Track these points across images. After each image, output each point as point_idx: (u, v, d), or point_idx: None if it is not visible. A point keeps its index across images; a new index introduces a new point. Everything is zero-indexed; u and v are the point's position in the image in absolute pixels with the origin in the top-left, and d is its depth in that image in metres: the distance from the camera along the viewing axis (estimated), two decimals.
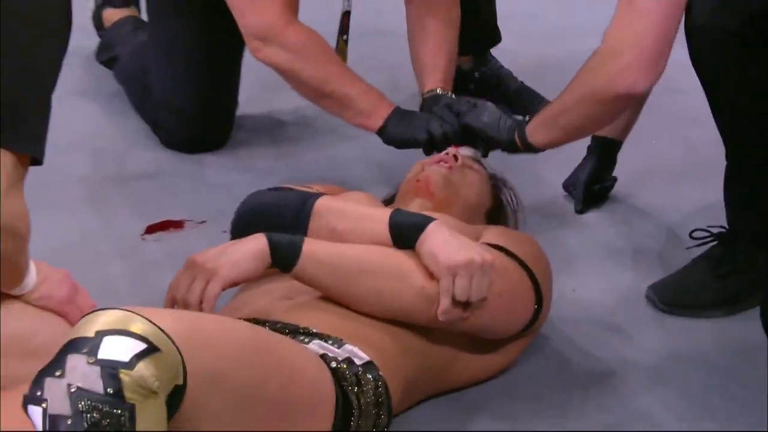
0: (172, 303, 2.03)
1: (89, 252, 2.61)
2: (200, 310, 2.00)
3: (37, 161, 1.74)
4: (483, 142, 2.49)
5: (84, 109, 3.17)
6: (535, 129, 2.44)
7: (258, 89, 3.11)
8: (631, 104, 2.41)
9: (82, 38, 3.33)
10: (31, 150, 1.73)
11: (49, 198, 2.77)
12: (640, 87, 2.22)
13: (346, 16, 2.87)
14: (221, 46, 2.75)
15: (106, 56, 3.22)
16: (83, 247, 2.62)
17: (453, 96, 2.73)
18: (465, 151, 2.48)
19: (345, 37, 2.87)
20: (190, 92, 2.87)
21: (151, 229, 2.66)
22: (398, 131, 2.64)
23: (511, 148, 2.49)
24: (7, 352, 1.70)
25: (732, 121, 2.23)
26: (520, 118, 2.54)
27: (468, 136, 2.51)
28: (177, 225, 2.66)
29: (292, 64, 2.63)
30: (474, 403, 2.16)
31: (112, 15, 3.27)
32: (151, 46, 2.97)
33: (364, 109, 2.65)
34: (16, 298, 1.89)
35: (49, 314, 1.90)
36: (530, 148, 2.46)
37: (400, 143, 2.65)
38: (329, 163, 2.87)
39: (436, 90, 2.71)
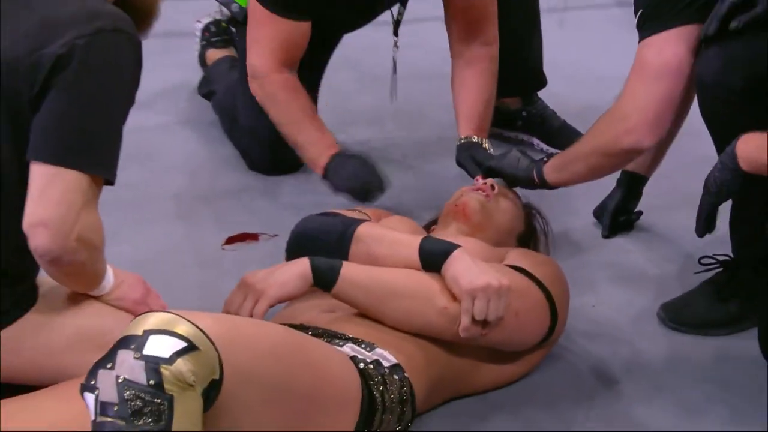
0: (230, 313, 2.05)
1: (176, 259, 2.64)
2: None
3: (110, 182, 1.78)
4: (505, 178, 2.48)
5: (185, 135, 3.19)
6: (551, 170, 2.46)
7: (333, 121, 3.12)
8: (635, 158, 2.42)
9: (189, 74, 3.42)
10: (103, 173, 1.77)
11: (147, 212, 2.83)
12: (643, 145, 2.27)
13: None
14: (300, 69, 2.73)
15: (206, 90, 3.24)
16: (172, 255, 2.65)
17: (485, 141, 2.70)
18: (501, 181, 2.48)
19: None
20: (270, 122, 2.83)
21: (230, 241, 2.66)
22: (335, 182, 2.63)
23: (529, 183, 2.49)
24: (85, 345, 1.73)
25: None
26: (540, 158, 2.55)
27: (493, 173, 2.50)
28: (253, 237, 2.67)
29: (264, 103, 2.68)
30: (494, 403, 2.16)
31: (213, 54, 3.30)
32: (239, 81, 2.98)
33: (310, 158, 2.67)
34: (96, 298, 1.91)
35: (123, 313, 1.91)
36: (545, 185, 2.48)
37: (343, 192, 2.64)
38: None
39: (472, 137, 2.68)
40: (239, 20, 2.90)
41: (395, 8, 2.75)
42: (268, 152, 2.92)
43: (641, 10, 2.26)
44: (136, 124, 3.09)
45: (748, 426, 2.11)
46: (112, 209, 2.69)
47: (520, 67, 3.03)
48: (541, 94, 3.14)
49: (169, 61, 3.49)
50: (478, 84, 2.73)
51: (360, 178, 2.57)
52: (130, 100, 1.82)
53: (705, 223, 2.14)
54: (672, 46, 2.23)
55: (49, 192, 1.71)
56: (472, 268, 2.00)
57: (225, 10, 3.10)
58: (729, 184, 2.02)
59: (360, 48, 2.80)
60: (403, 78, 2.91)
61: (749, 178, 1.99)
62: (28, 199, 1.72)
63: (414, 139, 3.11)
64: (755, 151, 1.94)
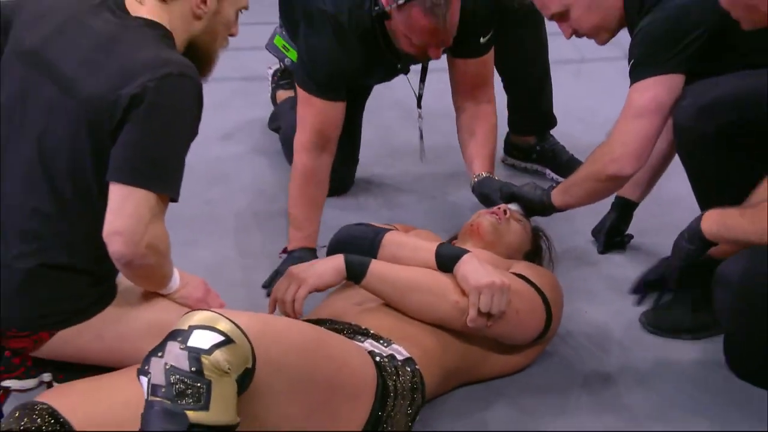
0: (274, 300, 2.08)
1: (244, 262, 2.67)
2: (293, 307, 2.04)
3: (174, 199, 1.79)
4: (522, 201, 2.49)
5: (258, 162, 3.20)
6: (556, 195, 2.45)
7: (377, 154, 3.14)
8: (622, 184, 2.40)
9: (263, 112, 3.41)
10: (169, 192, 1.78)
11: (222, 224, 2.86)
12: (625, 172, 2.27)
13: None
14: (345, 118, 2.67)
15: (274, 125, 3.25)
16: (240, 259, 2.69)
17: (495, 176, 2.69)
18: (513, 207, 2.46)
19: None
20: None
21: (285, 250, 2.64)
22: (281, 265, 2.54)
23: (541, 206, 2.48)
24: (154, 335, 1.70)
25: (709, 201, 2.17)
26: (549, 185, 2.55)
27: (514, 198, 2.51)
28: None
29: (291, 173, 2.64)
30: (497, 390, 2.18)
31: (282, 95, 3.29)
32: (286, 109, 3.01)
33: (290, 235, 2.60)
34: (164, 296, 1.93)
35: (186, 309, 1.87)
36: (553, 208, 2.47)
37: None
38: (412, 214, 2.88)
39: (483, 174, 2.65)
40: (293, 71, 2.87)
41: (416, 85, 2.74)
42: None
43: (633, 60, 2.26)
44: (220, 152, 3.23)
45: (712, 416, 2.11)
46: (195, 221, 2.78)
47: (536, 111, 3.03)
48: (556, 132, 3.12)
49: (247, 101, 3.52)
50: (486, 134, 2.70)
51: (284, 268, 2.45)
52: (192, 133, 1.82)
53: (677, 283, 2.15)
54: (653, 90, 2.23)
55: (124, 207, 1.73)
56: (479, 269, 2.02)
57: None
58: (695, 253, 2.01)
59: (407, 90, 2.79)
60: (432, 116, 2.91)
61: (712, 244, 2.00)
62: (107, 213, 1.74)
63: (436, 172, 3.12)
64: (715, 226, 1.94)
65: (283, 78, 3.32)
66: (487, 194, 2.60)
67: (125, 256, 1.75)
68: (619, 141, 2.27)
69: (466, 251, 2.08)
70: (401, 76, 2.76)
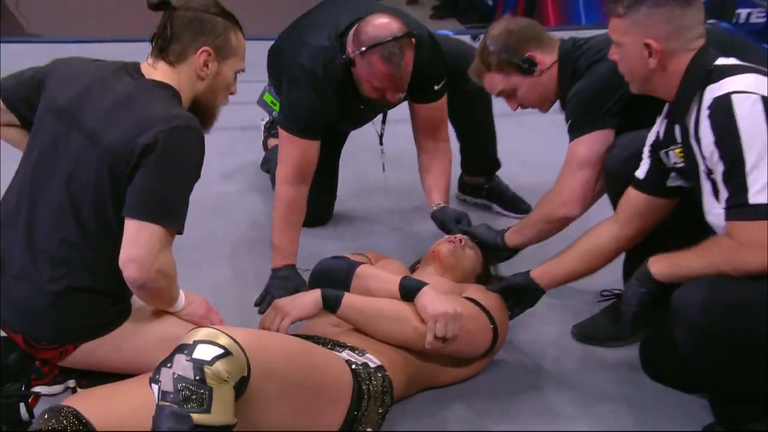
0: (264, 328, 2.07)
1: (240, 282, 2.65)
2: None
3: (179, 232, 1.81)
4: (478, 241, 2.46)
5: (251, 198, 3.16)
6: (510, 236, 2.43)
7: (352, 191, 3.13)
8: (568, 224, 2.34)
9: (257, 155, 3.36)
10: (175, 226, 1.79)
11: (222, 250, 2.83)
12: (573, 214, 2.26)
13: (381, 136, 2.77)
14: (323, 157, 2.62)
15: (266, 167, 3.22)
16: (238, 280, 2.67)
17: (449, 206, 2.67)
18: (468, 237, 2.45)
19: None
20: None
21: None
22: (269, 282, 2.54)
23: (495, 246, 2.45)
24: (164, 347, 1.69)
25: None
26: (502, 229, 2.50)
27: (468, 234, 2.47)
28: None
29: (275, 203, 2.60)
30: (452, 394, 2.18)
31: (272, 142, 3.21)
32: (271, 154, 3.00)
33: (274, 255, 2.57)
34: (172, 314, 1.93)
35: (191, 325, 1.87)
36: (506, 248, 2.44)
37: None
38: (383, 241, 2.86)
39: (442, 203, 2.64)
40: (267, 125, 2.87)
41: (378, 125, 2.73)
42: None
43: (571, 120, 2.26)
44: (221, 190, 3.21)
45: (635, 413, 2.11)
46: (199, 248, 2.74)
47: (484, 156, 3.04)
48: (502, 173, 3.11)
49: (244, 147, 3.45)
50: (442, 169, 2.70)
51: (272, 286, 2.52)
52: (196, 176, 1.83)
53: (630, 327, 2.11)
54: (591, 144, 2.23)
55: (137, 239, 1.74)
56: (435, 299, 2.03)
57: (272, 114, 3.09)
58: (647, 296, 1.92)
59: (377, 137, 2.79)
60: (399, 159, 2.91)
61: (662, 285, 1.91)
62: (123, 243, 1.75)
63: (403, 207, 3.11)
64: (665, 269, 1.88)
65: (272, 128, 3.30)
66: (444, 222, 2.59)
67: (138, 281, 1.76)
68: (567, 188, 2.27)
69: (425, 284, 2.09)
70: (371, 125, 2.77)
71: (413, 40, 2.37)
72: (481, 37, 2.39)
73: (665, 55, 1.86)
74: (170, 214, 1.78)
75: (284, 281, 2.51)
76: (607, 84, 2.16)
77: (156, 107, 1.79)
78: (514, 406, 2.15)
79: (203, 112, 1.93)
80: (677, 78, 1.87)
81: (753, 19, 6.37)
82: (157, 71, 1.88)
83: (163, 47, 1.87)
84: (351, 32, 2.42)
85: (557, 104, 2.41)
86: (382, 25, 2.34)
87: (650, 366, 2.22)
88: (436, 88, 2.62)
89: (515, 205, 3.01)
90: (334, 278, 2.17)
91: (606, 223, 2.16)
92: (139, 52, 2.02)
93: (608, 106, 2.19)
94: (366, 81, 2.41)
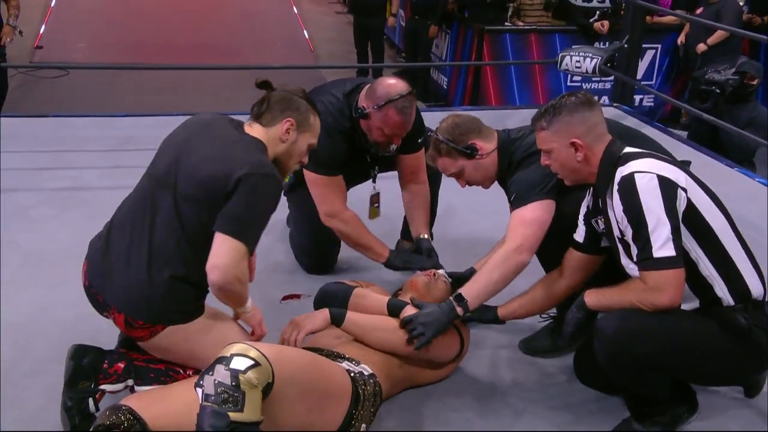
0: (282, 340, 2.04)
1: (258, 305, 2.40)
2: (295, 344, 1.99)
3: (252, 252, 1.83)
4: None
5: (276, 248, 2.98)
6: (472, 301, 2.10)
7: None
8: (522, 269, 2.11)
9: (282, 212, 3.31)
10: (251, 246, 1.81)
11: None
12: (527, 261, 2.10)
13: (375, 196, 2.75)
14: None
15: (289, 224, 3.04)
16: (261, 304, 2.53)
17: (430, 238, 2.60)
18: (441, 271, 2.41)
19: (376, 205, 2.76)
20: (309, 242, 2.76)
21: (285, 298, 2.62)
22: (394, 263, 2.56)
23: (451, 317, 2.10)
24: (218, 347, 1.64)
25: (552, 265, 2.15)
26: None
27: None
28: (297, 296, 2.63)
29: (344, 228, 2.53)
30: (428, 393, 2.15)
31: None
32: (293, 224, 2.91)
33: (376, 252, 2.54)
34: (235, 319, 1.95)
35: (244, 333, 1.94)
36: (466, 309, 2.10)
37: (396, 268, 2.58)
38: (372, 275, 2.73)
39: (422, 235, 2.60)
40: (286, 190, 2.73)
41: (375, 170, 2.68)
42: (310, 261, 2.81)
43: (514, 194, 2.15)
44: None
45: (573, 409, 2.11)
46: None
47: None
48: (456, 220, 3.05)
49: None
50: (424, 206, 2.68)
51: (406, 261, 2.54)
52: (272, 210, 1.84)
53: (568, 341, 2.06)
54: (533, 210, 2.11)
55: (221, 249, 1.75)
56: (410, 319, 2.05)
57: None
58: (582, 320, 1.92)
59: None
60: (389, 215, 2.85)
61: (592, 312, 1.92)
62: (211, 251, 1.76)
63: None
64: (596, 300, 1.89)
65: (290, 190, 3.10)
66: (421, 252, 2.57)
67: (217, 283, 1.77)
68: (520, 238, 2.09)
69: (407, 303, 2.09)
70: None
71: (415, 99, 2.41)
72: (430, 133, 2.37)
73: (587, 149, 1.90)
74: (250, 235, 1.79)
75: (404, 253, 2.58)
76: (544, 170, 2.07)
77: (252, 154, 1.83)
78: (476, 402, 2.14)
79: (279, 168, 1.93)
80: (596, 165, 1.92)
81: (645, 103, 6.55)
82: (253, 130, 1.92)
83: (259, 114, 1.93)
84: (363, 91, 2.42)
85: None
86: (393, 84, 2.38)
87: (581, 373, 2.21)
88: (419, 140, 2.62)
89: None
90: (335, 297, 2.16)
91: (554, 275, 2.13)
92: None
93: (547, 185, 2.11)
94: (378, 129, 2.41)
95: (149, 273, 1.80)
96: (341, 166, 2.52)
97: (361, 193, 2.77)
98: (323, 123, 2.40)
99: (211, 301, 1.93)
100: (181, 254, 1.81)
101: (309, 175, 2.52)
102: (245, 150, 1.83)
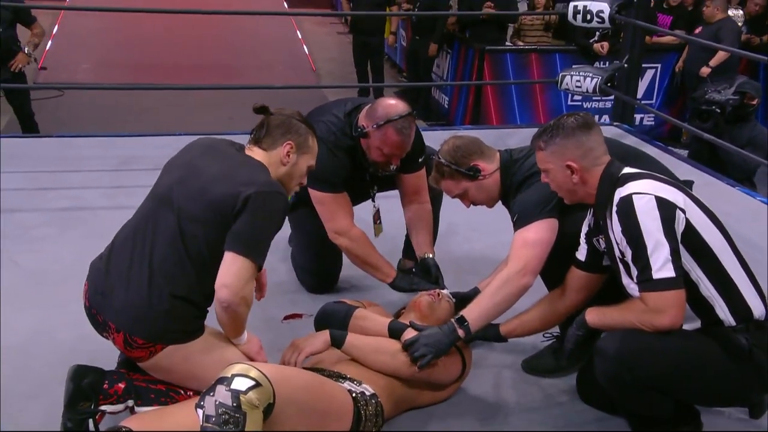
0: (283, 362, 2.03)
1: (264, 326, 2.54)
2: (296, 366, 1.99)
3: (260, 269, 1.83)
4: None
5: (278, 267, 2.95)
6: (473, 322, 2.09)
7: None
8: (526, 291, 2.09)
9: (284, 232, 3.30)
10: (259, 263, 1.81)
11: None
12: (531, 282, 2.09)
13: (376, 213, 2.74)
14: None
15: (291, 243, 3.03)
16: (261, 323, 2.53)
17: (434, 257, 2.59)
18: (445, 292, 2.40)
19: (378, 222, 2.75)
20: (311, 261, 2.75)
21: (286, 317, 2.62)
22: (400, 285, 2.54)
23: (452, 339, 2.08)
24: (219, 368, 1.64)
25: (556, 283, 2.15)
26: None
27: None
28: (298, 316, 2.62)
29: (352, 247, 2.51)
30: (430, 413, 2.14)
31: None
32: (294, 244, 2.89)
33: (383, 272, 2.52)
34: (236, 345, 1.91)
35: (243, 355, 1.91)
36: (468, 332, 2.09)
37: (401, 290, 2.56)
38: (375, 294, 2.75)
39: (427, 255, 2.59)
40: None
41: (374, 189, 2.69)
42: (311, 281, 2.80)
43: (517, 215, 2.15)
44: None
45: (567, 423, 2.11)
46: None
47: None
48: (459, 238, 3.05)
49: None
50: (426, 226, 2.66)
51: (412, 284, 2.51)
52: (279, 227, 1.87)
53: (568, 359, 2.10)
54: (538, 230, 2.11)
55: (231, 268, 1.76)
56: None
57: None
58: (582, 338, 1.92)
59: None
60: (390, 233, 2.84)
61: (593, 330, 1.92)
62: (221, 270, 1.77)
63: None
64: (596, 319, 1.89)
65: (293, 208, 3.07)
66: (427, 271, 2.56)
67: (225, 302, 1.77)
68: (525, 259, 2.08)
69: (407, 325, 2.09)
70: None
71: (415, 117, 2.42)
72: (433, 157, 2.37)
73: (583, 171, 1.91)
74: (257, 252, 1.80)
75: (409, 275, 2.53)
76: (545, 190, 2.08)
77: (258, 174, 1.86)
78: (479, 422, 2.13)
79: (285, 185, 1.96)
80: (594, 187, 1.94)
81: (645, 122, 6.58)
82: (255, 153, 1.94)
83: (259, 138, 1.95)
84: (363, 111, 2.43)
85: None
86: (393, 105, 2.39)
87: (584, 393, 2.21)
88: (419, 160, 2.62)
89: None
90: (335, 317, 2.15)
91: (556, 293, 2.13)
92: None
93: (549, 203, 2.10)
94: (377, 148, 2.42)
95: (149, 291, 1.80)
96: (345, 183, 2.52)
97: (362, 212, 2.77)
98: (326, 142, 2.45)
99: (211, 323, 1.94)
100: (183, 273, 1.81)
101: (315, 194, 2.50)
102: (251, 171, 1.86)
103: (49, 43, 8.53)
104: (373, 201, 2.74)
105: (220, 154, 1.92)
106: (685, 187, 1.94)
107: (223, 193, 1.80)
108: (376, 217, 2.78)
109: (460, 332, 2.07)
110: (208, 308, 1.89)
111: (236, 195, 1.78)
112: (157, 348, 1.83)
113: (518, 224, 2.16)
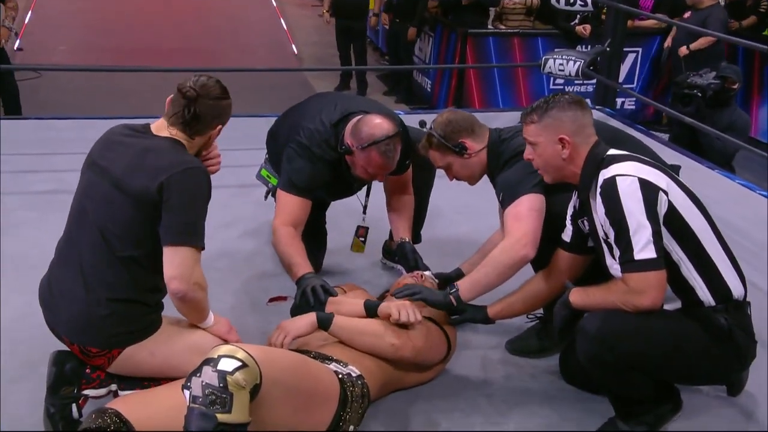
0: (269, 344, 2.04)
1: (249, 308, 2.59)
2: (284, 347, 2.00)
3: (202, 248, 1.81)
4: (428, 304, 2.22)
5: (248, 242, 3.02)
6: (464, 291, 2.16)
7: (336, 248, 2.92)
8: (524, 265, 2.14)
9: (252, 209, 3.24)
10: (199, 245, 1.79)
11: (223, 286, 2.67)
12: (531, 255, 2.11)
13: (363, 229, 2.73)
14: (312, 218, 2.52)
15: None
16: (247, 306, 2.60)
17: (411, 242, 2.62)
18: (428, 273, 2.43)
19: (362, 240, 2.74)
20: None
21: (271, 300, 2.62)
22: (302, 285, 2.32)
23: (447, 306, 2.19)
24: (192, 353, 1.73)
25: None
26: (451, 289, 2.20)
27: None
28: (283, 298, 2.62)
29: (277, 243, 2.41)
30: (417, 393, 2.17)
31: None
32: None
33: (293, 272, 2.34)
34: (204, 329, 1.91)
35: (214, 336, 1.90)
36: (460, 303, 2.18)
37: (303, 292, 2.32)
38: (359, 278, 2.77)
39: (404, 239, 2.61)
40: (273, 193, 2.69)
41: (362, 197, 2.68)
42: None
43: (503, 193, 2.18)
44: (223, 236, 3.08)
45: (557, 408, 2.12)
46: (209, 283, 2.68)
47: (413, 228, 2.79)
48: (443, 221, 3.06)
49: (242, 201, 3.38)
50: (407, 212, 2.70)
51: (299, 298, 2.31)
52: (207, 200, 1.83)
53: (559, 336, 2.10)
54: (526, 202, 2.12)
55: (174, 261, 1.75)
56: (390, 304, 2.10)
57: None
58: (568, 317, 1.93)
59: (358, 205, 2.75)
60: (376, 221, 2.83)
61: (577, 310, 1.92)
62: (165, 265, 1.76)
63: (375, 259, 2.99)
64: (580, 299, 1.90)
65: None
66: (404, 254, 2.58)
67: (180, 292, 1.76)
68: (522, 233, 2.09)
69: (381, 302, 2.13)
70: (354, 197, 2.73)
71: (401, 137, 2.39)
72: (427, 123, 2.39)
73: (574, 147, 1.92)
74: (194, 235, 1.78)
75: (316, 278, 2.33)
76: (528, 168, 2.10)
77: (165, 156, 1.80)
78: (464, 403, 2.15)
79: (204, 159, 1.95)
80: (579, 166, 1.95)
81: (627, 106, 6.62)
82: (170, 131, 1.86)
83: (187, 122, 1.85)
84: (349, 127, 2.40)
85: None
86: (377, 125, 2.34)
87: (567, 373, 2.24)
88: (406, 162, 2.63)
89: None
90: (311, 305, 2.18)
91: (542, 275, 2.15)
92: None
93: (534, 181, 2.12)
94: (361, 167, 2.40)
95: (87, 300, 1.79)
96: (315, 191, 2.49)
97: (351, 204, 2.74)
98: (308, 150, 2.42)
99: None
100: (115, 276, 1.79)
101: (279, 191, 2.49)
102: (157, 156, 1.79)
103: (26, 21, 8.36)
104: (364, 213, 2.72)
105: (121, 146, 1.85)
106: (669, 170, 1.96)
107: (134, 187, 1.76)
108: (361, 233, 2.76)
109: (451, 299, 2.15)
110: (159, 301, 1.87)
111: (148, 186, 1.74)
112: (113, 353, 1.81)
113: (506, 202, 2.17)
